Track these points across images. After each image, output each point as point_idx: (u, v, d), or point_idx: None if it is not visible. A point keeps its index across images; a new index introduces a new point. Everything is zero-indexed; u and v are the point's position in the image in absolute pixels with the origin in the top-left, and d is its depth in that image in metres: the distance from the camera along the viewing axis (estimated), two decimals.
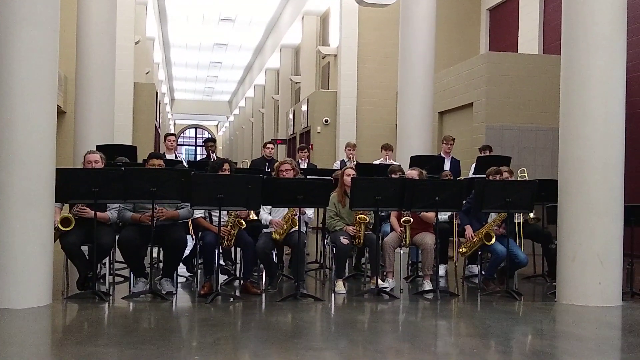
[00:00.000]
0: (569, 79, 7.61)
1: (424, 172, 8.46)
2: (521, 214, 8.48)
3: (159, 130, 22.72)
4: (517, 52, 16.19)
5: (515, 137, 13.41)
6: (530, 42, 16.08)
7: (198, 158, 18.67)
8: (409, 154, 11.02)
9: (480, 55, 15.42)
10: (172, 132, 11.25)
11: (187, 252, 8.10)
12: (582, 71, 7.46)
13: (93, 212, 7.04)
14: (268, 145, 12.24)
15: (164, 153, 10.73)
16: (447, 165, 11.26)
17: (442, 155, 11.51)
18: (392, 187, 7.60)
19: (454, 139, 11.84)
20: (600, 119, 7.38)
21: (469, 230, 8.05)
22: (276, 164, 8.27)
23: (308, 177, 9.42)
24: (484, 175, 8.86)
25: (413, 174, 8.28)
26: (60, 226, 7.01)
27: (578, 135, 7.47)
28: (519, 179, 9.48)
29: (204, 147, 12.97)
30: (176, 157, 11.86)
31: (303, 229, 7.74)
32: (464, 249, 8.12)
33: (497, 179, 8.26)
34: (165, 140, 12.09)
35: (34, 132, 6.51)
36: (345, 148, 12.12)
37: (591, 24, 7.41)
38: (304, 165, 11.45)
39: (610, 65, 7.41)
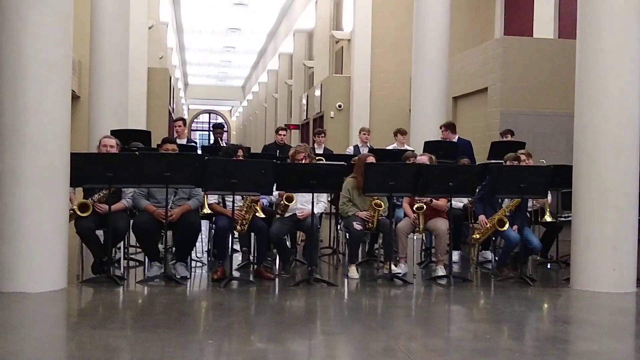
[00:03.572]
0: (584, 63, 7.55)
1: (433, 157, 8.43)
2: (539, 212, 8.52)
3: (172, 115, 22.77)
4: (532, 36, 16.06)
5: (530, 123, 13.31)
6: (545, 26, 15.93)
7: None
8: (422, 139, 10.96)
9: (495, 40, 15.31)
10: (182, 116, 11.30)
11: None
12: (597, 55, 7.39)
13: (108, 206, 7.08)
14: (280, 132, 12.01)
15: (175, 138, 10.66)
16: None
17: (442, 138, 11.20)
18: (405, 173, 7.58)
19: (446, 124, 11.47)
20: (615, 104, 7.32)
21: (482, 219, 8.02)
22: (291, 152, 8.17)
23: (322, 162, 9.34)
24: (498, 161, 8.82)
25: (423, 159, 8.26)
26: (78, 211, 7.05)
27: (592, 120, 7.42)
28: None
29: (212, 133, 12.92)
30: (188, 141, 11.77)
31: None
32: (477, 235, 8.10)
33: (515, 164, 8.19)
34: (174, 126, 11.82)
35: (48, 116, 6.53)
36: (360, 132, 12.05)
37: (606, 8, 7.33)
38: (320, 150, 11.38)
39: (626, 49, 7.33)
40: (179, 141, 10.24)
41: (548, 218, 8.58)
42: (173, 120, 12.48)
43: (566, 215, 8.84)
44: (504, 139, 11.46)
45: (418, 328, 5.96)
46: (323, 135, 12.02)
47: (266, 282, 7.39)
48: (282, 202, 7.61)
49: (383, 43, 19.37)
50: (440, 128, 11.23)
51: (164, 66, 23.04)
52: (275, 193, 7.72)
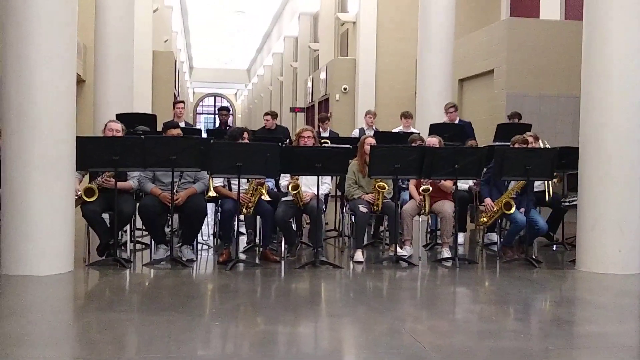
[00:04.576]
0: (590, 44, 7.50)
1: (441, 140, 8.41)
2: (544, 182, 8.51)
3: (177, 98, 22.76)
4: (538, 17, 15.96)
5: (536, 105, 13.27)
6: (552, 7, 15.83)
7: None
8: (428, 122, 10.93)
9: (501, 22, 15.23)
10: (181, 99, 11.36)
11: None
12: (603, 37, 7.34)
13: (115, 182, 7.10)
14: (265, 117, 11.98)
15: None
16: None
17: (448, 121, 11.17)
18: (411, 155, 7.56)
19: (456, 105, 11.48)
20: (621, 85, 7.27)
21: (488, 202, 8.00)
22: (298, 130, 8.24)
23: (327, 145, 9.33)
24: (504, 143, 8.79)
25: (433, 141, 8.24)
26: (84, 196, 7.07)
27: (598, 101, 7.38)
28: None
29: (218, 116, 12.99)
30: (186, 124, 11.78)
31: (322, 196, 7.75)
32: (485, 219, 8.09)
33: (523, 147, 8.15)
34: (174, 108, 11.85)
35: (53, 97, 6.53)
36: (366, 115, 12.02)
37: None
38: (325, 134, 11.36)
39: (632, 31, 7.28)
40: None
41: (555, 180, 8.58)
42: (175, 102, 12.57)
43: (571, 199, 8.80)
44: (510, 122, 11.42)
45: (423, 310, 5.98)
46: (327, 121, 11.97)
47: (272, 265, 7.42)
48: (292, 193, 7.62)
49: (388, 25, 19.28)
50: (450, 109, 11.13)
51: (168, 49, 23.00)
52: (285, 183, 7.73)
